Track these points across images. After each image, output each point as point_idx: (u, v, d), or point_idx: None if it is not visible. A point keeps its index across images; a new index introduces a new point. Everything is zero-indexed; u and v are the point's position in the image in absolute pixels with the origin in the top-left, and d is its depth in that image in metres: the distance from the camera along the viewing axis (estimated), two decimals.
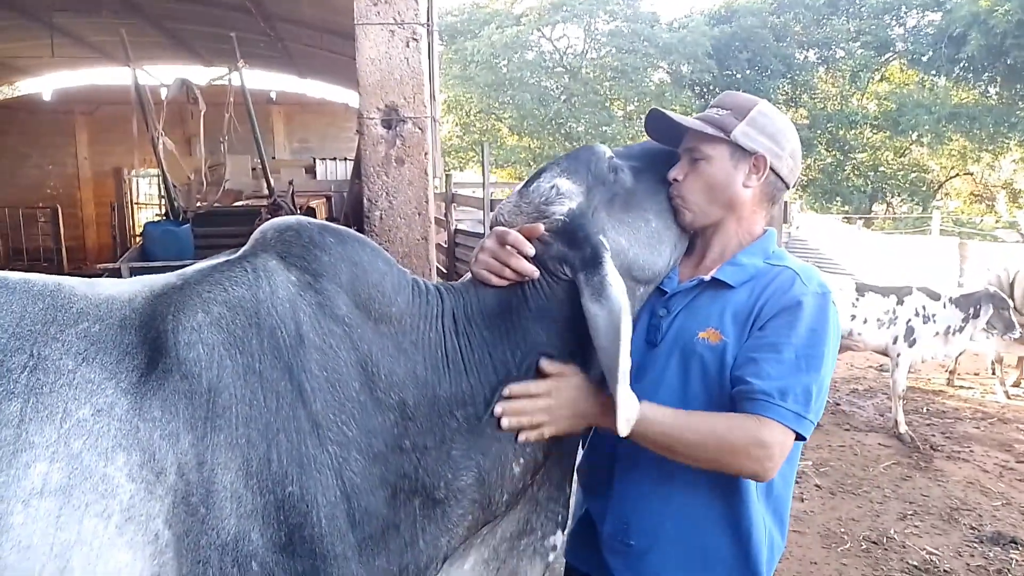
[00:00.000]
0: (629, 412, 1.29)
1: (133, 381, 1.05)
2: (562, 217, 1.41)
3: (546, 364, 1.39)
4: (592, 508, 1.64)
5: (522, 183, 1.54)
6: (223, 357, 1.11)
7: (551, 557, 1.54)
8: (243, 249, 1.27)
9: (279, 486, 1.10)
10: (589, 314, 1.31)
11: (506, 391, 1.35)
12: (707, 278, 1.53)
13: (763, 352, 1.40)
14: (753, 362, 1.40)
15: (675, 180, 1.53)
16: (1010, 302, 5.80)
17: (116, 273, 6.13)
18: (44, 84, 15.21)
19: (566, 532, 1.59)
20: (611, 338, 1.29)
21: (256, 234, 1.30)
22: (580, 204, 1.43)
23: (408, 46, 2.43)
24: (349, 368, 1.21)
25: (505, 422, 1.34)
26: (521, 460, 1.41)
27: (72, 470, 0.97)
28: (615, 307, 1.29)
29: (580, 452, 1.66)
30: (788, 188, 1.59)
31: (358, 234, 1.37)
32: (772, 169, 1.52)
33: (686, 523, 1.51)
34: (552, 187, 1.46)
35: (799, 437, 1.39)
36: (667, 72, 25.47)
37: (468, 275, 1.49)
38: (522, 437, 1.36)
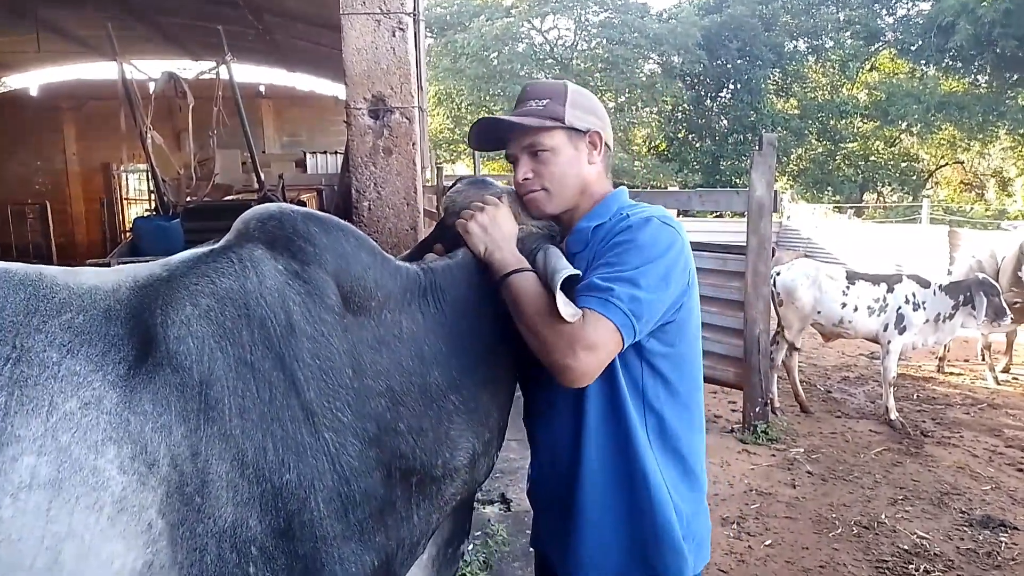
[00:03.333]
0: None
1: (120, 374, 1.04)
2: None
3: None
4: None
5: (472, 178, 1.80)
6: (214, 349, 1.11)
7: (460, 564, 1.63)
8: (226, 238, 1.27)
9: (275, 474, 1.11)
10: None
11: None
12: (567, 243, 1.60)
13: (589, 276, 1.43)
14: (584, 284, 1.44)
15: (525, 179, 1.58)
16: (999, 287, 5.83)
17: None
18: (30, 80, 15.13)
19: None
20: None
21: (238, 223, 1.29)
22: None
23: (394, 35, 2.42)
24: (341, 356, 1.22)
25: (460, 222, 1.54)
26: (497, 442, 1.54)
27: (61, 463, 0.96)
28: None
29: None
30: (611, 152, 1.67)
31: (342, 222, 1.37)
32: (604, 141, 1.60)
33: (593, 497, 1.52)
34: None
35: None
36: (658, 63, 25.44)
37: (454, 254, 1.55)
38: (468, 236, 1.51)
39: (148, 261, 1.26)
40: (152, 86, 9.29)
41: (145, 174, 13.90)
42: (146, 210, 13.11)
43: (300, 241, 1.25)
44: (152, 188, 10.69)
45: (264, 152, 13.64)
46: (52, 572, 0.95)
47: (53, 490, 0.95)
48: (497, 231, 1.51)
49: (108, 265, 6.28)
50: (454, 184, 1.73)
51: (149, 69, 9.62)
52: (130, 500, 1.00)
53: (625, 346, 1.38)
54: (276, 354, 1.15)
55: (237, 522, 1.07)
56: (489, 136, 1.62)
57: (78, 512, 0.96)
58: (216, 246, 1.24)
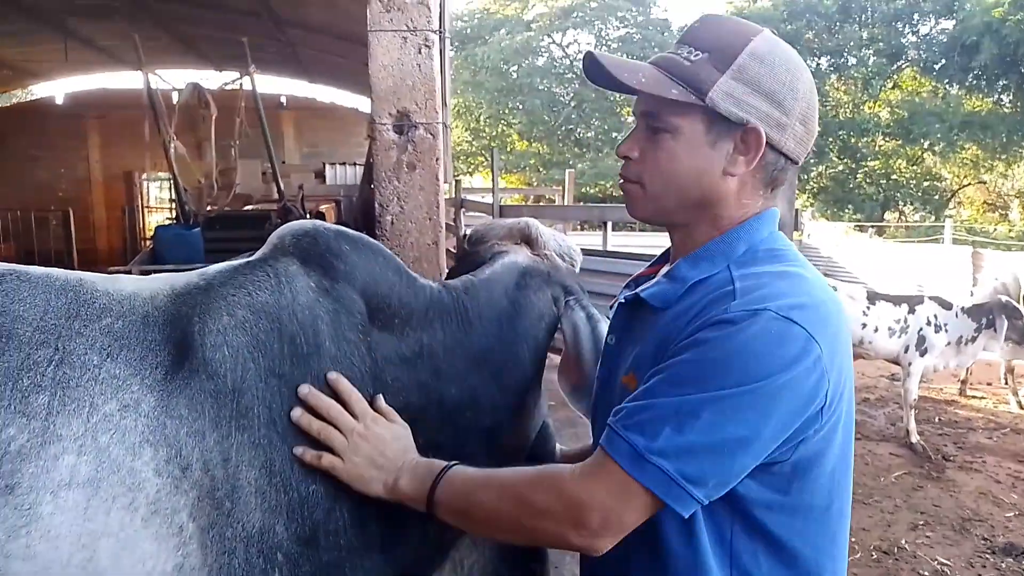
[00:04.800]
0: None
1: (158, 379, 1.07)
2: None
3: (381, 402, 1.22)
4: None
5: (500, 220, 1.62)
6: (247, 360, 1.13)
7: None
8: (262, 251, 1.30)
9: (302, 483, 1.13)
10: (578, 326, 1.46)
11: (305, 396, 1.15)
12: (639, 293, 1.13)
13: (641, 384, 1.01)
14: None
15: (626, 158, 1.11)
16: (1022, 311, 5.75)
17: None
18: (57, 88, 15.40)
19: None
20: (591, 346, 1.40)
21: (273, 238, 1.32)
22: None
23: (420, 52, 2.44)
24: (365, 372, 1.24)
25: (301, 418, 1.13)
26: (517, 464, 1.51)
27: (100, 463, 0.99)
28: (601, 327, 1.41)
29: None
30: (797, 164, 1.09)
31: (372, 241, 1.39)
32: (771, 145, 1.04)
33: None
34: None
35: (660, 501, 0.95)
36: None
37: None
38: (305, 455, 1.12)
39: (170, 269, 1.28)
40: (176, 96, 9.41)
41: (167, 183, 14.05)
42: (167, 218, 13.23)
43: (332, 258, 1.27)
44: (173, 197, 10.79)
45: (284, 163, 13.75)
46: (86, 570, 0.96)
47: (92, 489, 0.97)
48: (386, 448, 1.15)
49: (129, 272, 6.34)
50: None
51: (173, 79, 9.77)
52: (164, 502, 1.02)
53: (678, 512, 0.96)
54: (305, 368, 1.17)
55: (264, 528, 1.09)
56: (604, 74, 1.07)
57: (114, 512, 0.98)
58: (252, 259, 1.26)
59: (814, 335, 0.94)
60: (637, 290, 1.13)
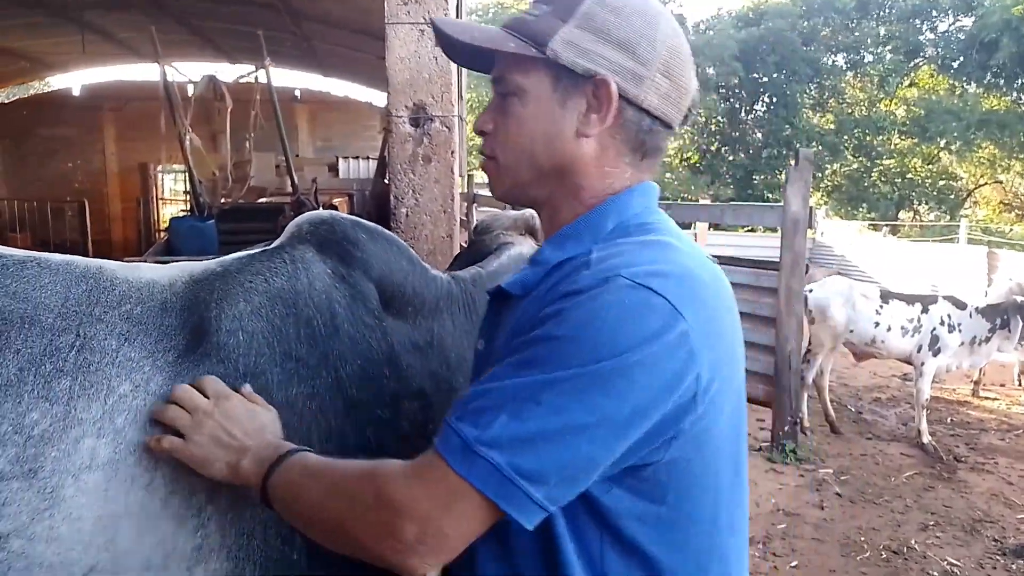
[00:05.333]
0: None
1: (169, 360, 1.08)
2: None
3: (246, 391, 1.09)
4: None
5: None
6: (262, 345, 1.15)
7: None
8: (280, 240, 1.32)
9: None
10: None
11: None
12: (500, 285, 1.00)
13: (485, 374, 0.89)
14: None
15: (482, 133, 1.00)
16: None
17: None
18: (74, 80, 15.48)
19: None
20: None
21: (291, 226, 1.34)
22: None
23: (437, 45, 2.45)
24: (380, 357, 1.26)
25: (155, 408, 1.02)
26: None
27: (118, 445, 1.00)
28: None
29: None
30: (671, 128, 0.95)
31: (386, 231, 1.41)
32: (628, 100, 0.91)
33: None
34: None
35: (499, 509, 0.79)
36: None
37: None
38: (150, 442, 1.01)
39: (183, 260, 1.30)
40: (191, 88, 9.45)
41: (181, 175, 14.12)
42: (181, 210, 13.30)
43: (349, 246, 1.29)
44: (188, 189, 10.85)
45: (298, 156, 13.78)
46: (108, 551, 0.98)
47: (111, 470, 0.99)
48: (234, 427, 1.00)
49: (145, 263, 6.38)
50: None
51: (189, 71, 9.80)
52: (181, 483, 1.03)
53: (524, 522, 0.79)
54: (321, 352, 1.19)
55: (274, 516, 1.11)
56: (457, 47, 0.98)
57: (133, 493, 1.00)
58: (270, 247, 1.28)
59: (678, 307, 0.80)
60: (500, 282, 1.00)
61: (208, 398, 1.02)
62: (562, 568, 0.85)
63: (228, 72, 11.27)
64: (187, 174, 9.49)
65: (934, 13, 23.92)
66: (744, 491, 0.96)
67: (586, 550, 0.85)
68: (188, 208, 11.28)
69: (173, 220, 9.12)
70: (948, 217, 23.82)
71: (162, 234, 12.49)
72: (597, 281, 0.81)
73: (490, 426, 0.78)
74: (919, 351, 5.61)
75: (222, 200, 9.61)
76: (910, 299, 5.80)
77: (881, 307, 5.76)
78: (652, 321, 0.79)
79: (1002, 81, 22.00)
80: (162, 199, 16.42)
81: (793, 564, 3.67)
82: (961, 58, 22.27)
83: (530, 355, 0.81)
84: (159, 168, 15.67)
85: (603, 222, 0.94)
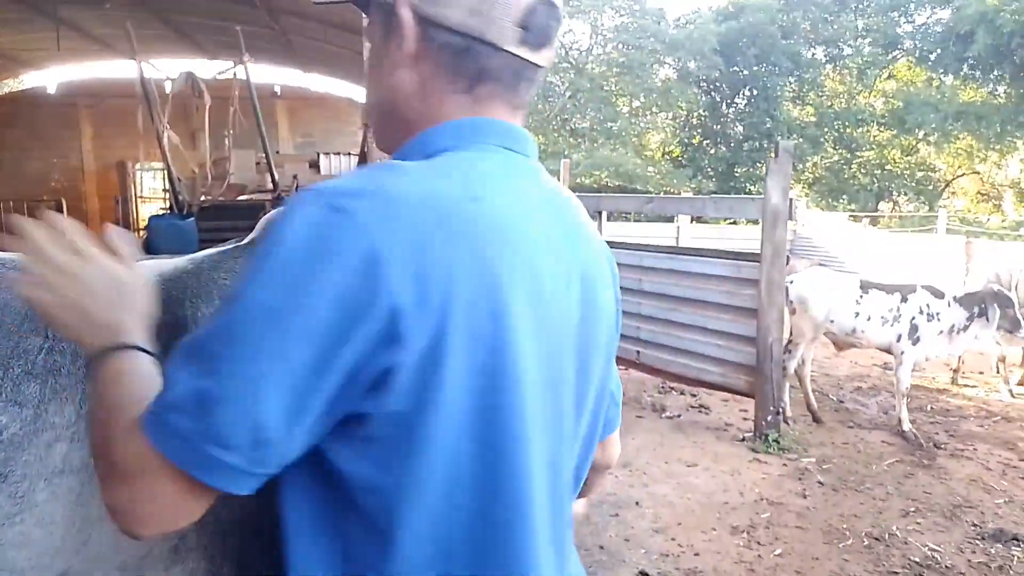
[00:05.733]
0: None
1: None
2: None
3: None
4: None
5: None
6: None
7: None
8: (252, 236, 1.30)
9: None
10: None
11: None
12: None
13: None
14: None
15: None
16: (1014, 299, 5.77)
17: None
18: (49, 77, 15.30)
19: None
20: None
21: (263, 222, 1.32)
22: None
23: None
24: None
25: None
26: None
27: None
28: None
29: None
30: (496, 47, 0.82)
31: None
32: (429, 20, 0.82)
33: None
34: None
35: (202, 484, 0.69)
36: (673, 68, 25.41)
37: None
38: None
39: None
40: (169, 85, 9.38)
41: (160, 173, 14.01)
42: (160, 208, 13.20)
43: None
44: (167, 187, 10.77)
45: (278, 152, 13.70)
46: (81, 554, 0.97)
47: (84, 475, 0.98)
48: (77, 287, 0.81)
49: None
50: None
51: (167, 68, 9.72)
52: None
53: (224, 490, 0.70)
54: None
55: (258, 510, 1.10)
56: None
57: None
58: (242, 243, 1.26)
59: (372, 228, 0.68)
60: None
61: (73, 254, 0.84)
62: (296, 532, 0.77)
63: (206, 68, 11.16)
64: (166, 172, 9.42)
65: (911, 6, 24.15)
66: (523, 484, 0.77)
67: (322, 522, 0.76)
68: (167, 206, 11.20)
69: (152, 218, 9.07)
70: (927, 208, 24.08)
71: (141, 233, 12.40)
72: (289, 208, 0.71)
73: (174, 386, 0.69)
74: (899, 340, 5.67)
75: (202, 198, 9.54)
76: (889, 289, 5.85)
77: (861, 297, 5.81)
78: (329, 242, 0.68)
79: (978, 73, 22.25)
80: (141, 197, 16.26)
81: (777, 552, 3.70)
82: (938, 50, 22.49)
83: (226, 296, 0.70)
84: (138, 166, 15.53)
85: (402, 159, 0.83)
